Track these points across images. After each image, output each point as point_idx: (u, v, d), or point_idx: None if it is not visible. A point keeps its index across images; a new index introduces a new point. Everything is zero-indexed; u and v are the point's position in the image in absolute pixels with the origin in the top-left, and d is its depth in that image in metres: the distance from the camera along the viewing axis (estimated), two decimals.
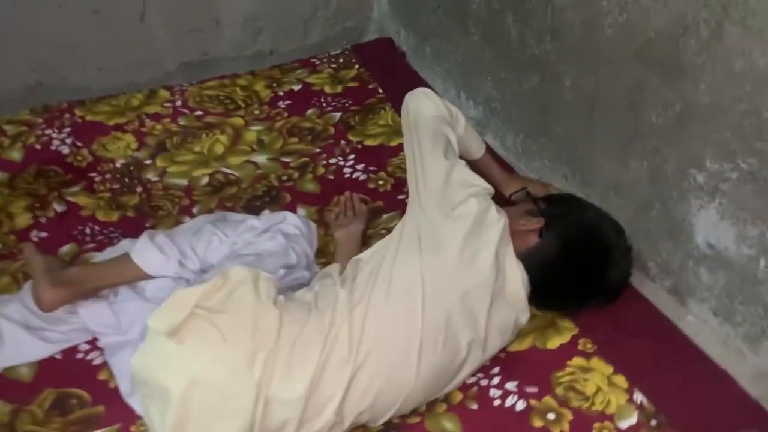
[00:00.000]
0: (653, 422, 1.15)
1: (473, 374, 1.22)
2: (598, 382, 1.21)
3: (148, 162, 1.75)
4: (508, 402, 1.19)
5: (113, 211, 1.61)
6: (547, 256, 1.24)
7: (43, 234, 1.53)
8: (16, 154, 1.74)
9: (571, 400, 1.19)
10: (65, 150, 1.77)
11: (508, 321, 1.21)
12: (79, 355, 1.28)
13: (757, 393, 1.20)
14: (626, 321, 1.32)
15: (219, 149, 1.80)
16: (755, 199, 1.15)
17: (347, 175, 1.73)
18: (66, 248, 1.50)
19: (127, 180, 1.70)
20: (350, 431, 1.12)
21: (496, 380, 1.23)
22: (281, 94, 2.01)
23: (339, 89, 2.04)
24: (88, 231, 1.55)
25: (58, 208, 1.60)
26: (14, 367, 1.25)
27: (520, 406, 1.18)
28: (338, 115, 1.93)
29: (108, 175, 1.71)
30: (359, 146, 1.82)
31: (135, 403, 1.17)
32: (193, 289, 1.07)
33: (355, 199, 1.61)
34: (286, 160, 1.78)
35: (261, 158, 1.78)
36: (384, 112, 1.94)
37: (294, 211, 1.58)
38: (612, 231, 1.31)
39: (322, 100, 2.00)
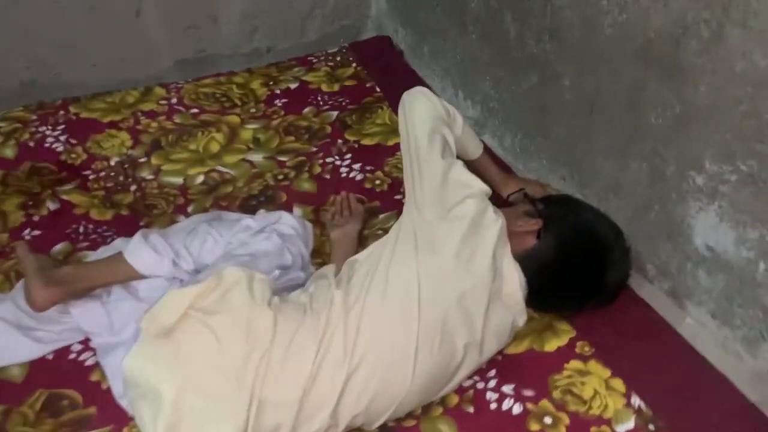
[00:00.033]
0: (651, 426, 1.14)
1: (469, 377, 1.21)
2: (595, 385, 1.20)
3: (142, 160, 1.74)
4: (505, 405, 1.18)
5: (107, 209, 1.60)
6: (545, 258, 1.23)
7: (36, 232, 1.52)
8: (9, 152, 1.72)
9: (568, 403, 1.18)
10: (59, 147, 1.75)
11: (505, 323, 1.20)
12: (72, 356, 1.27)
13: (756, 397, 1.19)
14: (624, 323, 1.31)
15: (215, 147, 1.79)
16: (755, 202, 1.14)
17: (344, 175, 1.72)
18: (59, 247, 1.48)
19: (121, 178, 1.69)
20: None
21: (492, 383, 1.22)
22: (278, 92, 1.99)
23: (336, 87, 2.03)
24: (81, 229, 1.53)
25: (52, 206, 1.58)
26: (5, 368, 1.24)
27: (517, 409, 1.17)
28: (335, 113, 1.92)
29: (102, 173, 1.70)
30: (356, 145, 1.81)
31: (127, 404, 1.16)
32: (186, 290, 1.05)
33: (352, 199, 1.60)
34: (283, 159, 1.76)
35: (257, 157, 1.76)
36: (381, 111, 1.93)
37: (290, 210, 1.57)
38: (610, 232, 1.30)
39: (319, 98, 1.99)
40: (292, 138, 1.83)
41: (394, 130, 1.79)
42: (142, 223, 1.55)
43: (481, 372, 1.23)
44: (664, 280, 1.38)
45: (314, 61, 2.14)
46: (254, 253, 1.25)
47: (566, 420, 1.16)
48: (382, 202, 1.63)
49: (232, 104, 1.94)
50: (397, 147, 1.72)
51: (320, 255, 1.46)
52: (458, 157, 1.26)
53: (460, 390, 1.20)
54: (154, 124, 1.84)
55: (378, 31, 2.33)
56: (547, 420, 1.16)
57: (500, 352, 1.25)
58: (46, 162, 1.70)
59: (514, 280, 1.20)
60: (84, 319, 1.28)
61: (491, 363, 1.24)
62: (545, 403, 1.18)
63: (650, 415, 1.16)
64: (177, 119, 1.87)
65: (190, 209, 1.61)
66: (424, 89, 1.32)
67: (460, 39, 1.86)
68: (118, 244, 1.41)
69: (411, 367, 1.08)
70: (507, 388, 1.21)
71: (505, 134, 1.78)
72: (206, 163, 1.74)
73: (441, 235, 1.15)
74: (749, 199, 1.15)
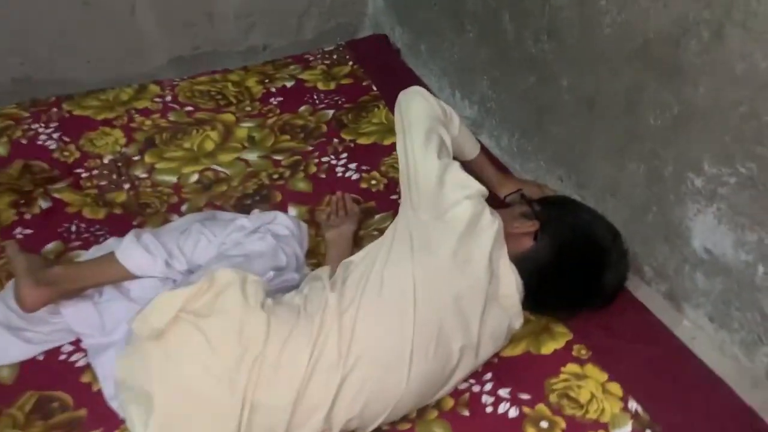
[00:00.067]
0: (648, 431, 1.13)
1: (465, 380, 1.20)
2: (592, 389, 1.19)
3: (136, 158, 1.72)
4: (501, 409, 1.17)
5: (100, 208, 1.58)
6: (542, 260, 1.22)
7: (28, 231, 1.50)
8: (1, 149, 1.71)
9: (564, 407, 1.16)
10: (52, 145, 1.74)
11: (502, 326, 1.19)
12: (62, 357, 1.25)
13: (753, 401, 1.18)
14: (621, 326, 1.30)
15: (209, 146, 1.77)
16: (754, 205, 1.13)
17: (339, 174, 1.71)
18: (51, 246, 1.47)
19: (114, 176, 1.67)
20: None
21: (488, 386, 1.21)
22: (273, 90, 1.98)
23: (332, 86, 2.01)
24: (73, 228, 1.52)
25: (44, 204, 1.57)
26: None
27: (513, 413, 1.16)
28: (331, 112, 1.91)
29: (95, 172, 1.68)
30: (352, 145, 1.80)
31: (118, 406, 1.14)
32: (178, 292, 1.04)
33: (347, 199, 1.59)
34: (278, 158, 1.75)
35: (252, 156, 1.75)
36: (378, 110, 1.91)
37: (285, 210, 1.56)
38: (608, 234, 1.29)
39: (315, 97, 1.97)
40: (287, 137, 1.82)
41: (390, 130, 1.79)
42: (135, 222, 1.54)
43: (477, 375, 1.22)
44: (662, 282, 1.37)
45: (310, 59, 2.13)
46: (248, 253, 1.24)
47: (563, 424, 1.14)
48: (378, 203, 1.62)
49: (227, 102, 1.92)
50: (393, 146, 1.71)
51: (315, 255, 1.45)
52: (455, 158, 1.25)
53: (456, 393, 1.19)
54: (148, 122, 1.83)
55: (375, 30, 2.32)
56: (544, 424, 1.14)
57: (496, 355, 1.24)
58: (39, 160, 1.68)
59: (510, 282, 1.19)
60: (75, 319, 1.27)
61: (487, 366, 1.23)
62: (542, 407, 1.17)
63: (647, 419, 1.15)
64: (171, 117, 1.85)
65: (183, 208, 1.60)
66: (421, 89, 1.30)
67: (457, 38, 1.85)
68: (110, 243, 1.39)
69: (406, 370, 1.07)
70: (503, 392, 1.19)
71: (503, 134, 1.76)
72: (201, 161, 1.72)
73: (437, 236, 1.14)
74: (748, 202, 1.14)
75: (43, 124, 1.78)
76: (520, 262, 1.20)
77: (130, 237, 1.29)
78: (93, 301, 1.28)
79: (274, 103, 1.93)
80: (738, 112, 1.10)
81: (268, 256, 1.24)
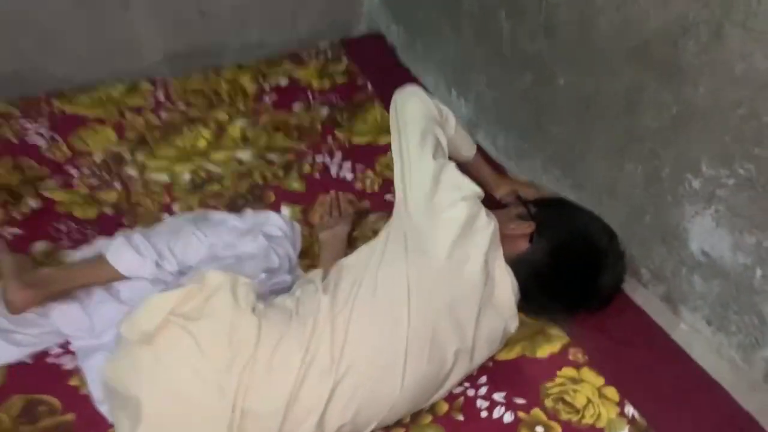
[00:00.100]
0: None
1: (460, 383, 1.18)
2: (588, 393, 1.18)
3: (128, 157, 1.70)
4: (496, 414, 1.15)
5: (90, 207, 1.56)
6: (538, 262, 1.20)
7: (16, 231, 1.48)
8: None
9: (560, 412, 1.15)
10: (42, 143, 1.71)
11: (497, 329, 1.17)
12: (50, 360, 1.23)
13: (751, 405, 1.17)
14: (618, 329, 1.29)
15: (202, 144, 1.75)
16: (752, 207, 1.12)
17: (334, 174, 1.69)
18: (40, 246, 1.44)
19: (105, 175, 1.65)
20: None
21: (483, 390, 1.19)
22: (267, 88, 1.96)
23: (327, 84, 1.99)
24: (63, 228, 1.50)
25: (33, 203, 1.54)
26: None
27: (508, 418, 1.15)
28: (326, 111, 1.89)
29: (86, 170, 1.66)
30: (347, 144, 1.78)
31: (107, 411, 1.12)
32: (167, 295, 1.02)
33: (342, 199, 1.57)
34: (271, 157, 1.73)
35: (245, 155, 1.73)
36: (373, 108, 1.89)
37: (278, 210, 1.54)
38: (604, 236, 1.28)
39: (310, 95, 1.95)
40: (281, 135, 1.80)
41: (385, 129, 1.76)
42: (126, 222, 1.52)
43: (471, 378, 1.20)
44: (659, 284, 1.36)
45: (305, 56, 2.10)
46: (240, 255, 1.22)
47: (558, 429, 1.13)
48: (373, 203, 1.60)
49: (220, 100, 1.90)
50: (388, 146, 1.67)
51: (308, 256, 1.43)
52: (451, 158, 1.23)
53: (450, 397, 1.18)
54: (141, 120, 1.80)
55: (370, 28, 2.30)
56: (539, 429, 1.13)
57: (491, 358, 1.22)
58: (28, 158, 1.66)
59: (506, 285, 1.17)
60: (63, 321, 1.25)
61: (482, 369, 1.21)
62: (537, 411, 1.15)
63: (644, 424, 1.13)
64: (164, 115, 1.83)
65: (175, 208, 1.57)
66: (417, 88, 1.29)
67: (453, 36, 1.83)
68: (100, 244, 1.37)
69: (400, 374, 1.05)
70: (498, 396, 1.18)
71: (499, 134, 1.75)
72: (193, 160, 1.70)
73: (432, 238, 1.12)
74: (747, 204, 1.12)
75: (33, 122, 1.75)
76: (515, 264, 1.19)
77: (120, 238, 1.28)
78: (82, 303, 1.26)
79: (268, 101, 1.91)
80: (737, 113, 1.08)
81: (260, 257, 1.23)
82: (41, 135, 1.72)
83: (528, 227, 1.22)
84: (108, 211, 1.56)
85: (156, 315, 1.00)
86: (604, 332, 1.28)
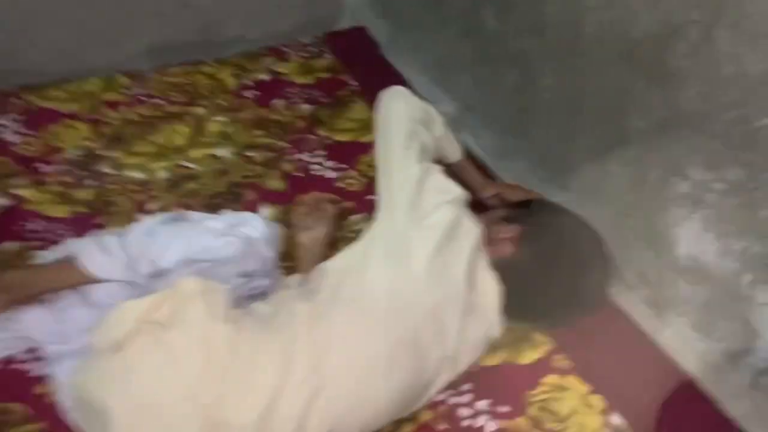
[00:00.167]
0: None
1: (442, 391, 1.15)
2: (573, 402, 1.15)
3: (103, 153, 1.65)
4: (479, 422, 1.13)
5: (63, 206, 1.51)
6: (522, 266, 1.18)
7: None
8: None
9: (544, 421, 1.13)
10: (13, 138, 1.65)
11: (480, 335, 1.15)
12: (17, 366, 1.18)
13: (737, 412, 1.16)
14: (603, 335, 1.27)
15: (179, 141, 1.70)
16: (741, 212, 1.10)
17: (315, 173, 1.65)
18: (8, 246, 1.39)
19: (79, 172, 1.60)
20: None
21: (466, 398, 1.17)
22: (248, 83, 1.91)
23: (309, 80, 1.95)
24: (33, 227, 1.44)
25: (1, 201, 1.49)
26: None
27: (491, 427, 1.12)
28: (308, 107, 1.85)
29: (59, 167, 1.60)
30: (329, 142, 1.74)
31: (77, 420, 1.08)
32: (138, 302, 0.98)
33: (323, 199, 1.53)
34: (251, 154, 1.68)
35: (224, 152, 1.68)
36: (356, 105, 1.85)
37: (257, 210, 1.50)
38: (590, 239, 1.25)
39: (291, 91, 1.91)
40: (262, 132, 1.75)
41: (369, 126, 1.72)
42: (100, 222, 1.47)
43: (454, 386, 1.18)
44: (644, 289, 1.34)
45: (287, 51, 2.06)
46: (216, 258, 1.18)
47: None
48: (355, 203, 1.57)
49: (199, 95, 1.85)
50: (372, 144, 1.64)
51: (289, 258, 1.39)
52: (436, 161, 1.20)
53: (433, 405, 1.15)
54: (116, 115, 1.75)
55: (354, 22, 2.26)
56: None
57: (474, 364, 1.19)
58: None
59: (490, 290, 1.15)
60: (32, 326, 1.20)
61: (465, 376, 1.18)
62: (521, 420, 1.13)
63: None
64: (140, 110, 1.78)
65: (151, 206, 1.53)
66: (403, 89, 1.25)
67: (439, 32, 1.80)
68: (71, 245, 1.32)
69: (381, 383, 1.02)
70: (481, 404, 1.16)
71: (483, 133, 1.72)
72: (170, 157, 1.65)
73: (415, 243, 1.09)
74: (735, 210, 1.11)
75: (4, 116, 1.69)
76: (500, 268, 1.16)
77: (91, 238, 1.23)
78: (52, 307, 1.21)
79: (249, 96, 1.87)
80: (726, 117, 1.07)
81: (237, 260, 1.18)
82: (13, 130, 1.67)
83: (513, 231, 1.19)
84: (81, 209, 1.51)
85: (126, 322, 0.96)
86: (589, 338, 1.26)
